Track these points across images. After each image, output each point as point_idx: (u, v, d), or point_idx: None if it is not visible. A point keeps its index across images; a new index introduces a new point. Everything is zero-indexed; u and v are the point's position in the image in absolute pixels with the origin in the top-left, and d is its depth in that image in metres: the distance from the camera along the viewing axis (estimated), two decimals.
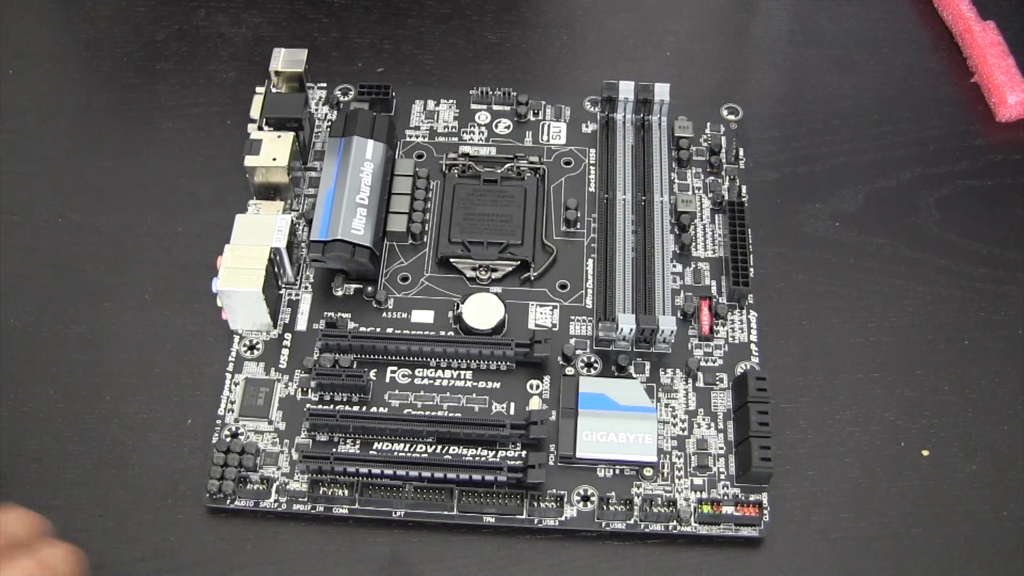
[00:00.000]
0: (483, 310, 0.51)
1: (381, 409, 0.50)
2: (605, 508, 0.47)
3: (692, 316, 0.52)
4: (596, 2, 0.65)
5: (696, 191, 0.56)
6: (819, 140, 0.59)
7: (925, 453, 0.50)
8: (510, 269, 0.53)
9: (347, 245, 0.51)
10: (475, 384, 0.50)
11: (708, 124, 0.58)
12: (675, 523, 0.47)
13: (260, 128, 0.55)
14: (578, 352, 0.51)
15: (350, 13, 0.64)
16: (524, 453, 0.48)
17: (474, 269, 0.53)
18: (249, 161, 0.53)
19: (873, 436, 0.50)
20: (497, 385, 0.50)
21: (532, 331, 0.51)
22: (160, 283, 0.54)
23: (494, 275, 0.53)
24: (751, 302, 0.53)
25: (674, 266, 0.54)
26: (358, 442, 0.49)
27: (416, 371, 0.51)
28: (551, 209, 0.55)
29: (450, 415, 0.49)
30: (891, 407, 0.51)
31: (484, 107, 0.59)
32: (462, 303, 0.52)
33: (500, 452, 0.48)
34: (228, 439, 0.49)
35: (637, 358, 0.51)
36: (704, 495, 0.48)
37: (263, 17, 0.64)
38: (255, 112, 0.55)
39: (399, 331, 0.52)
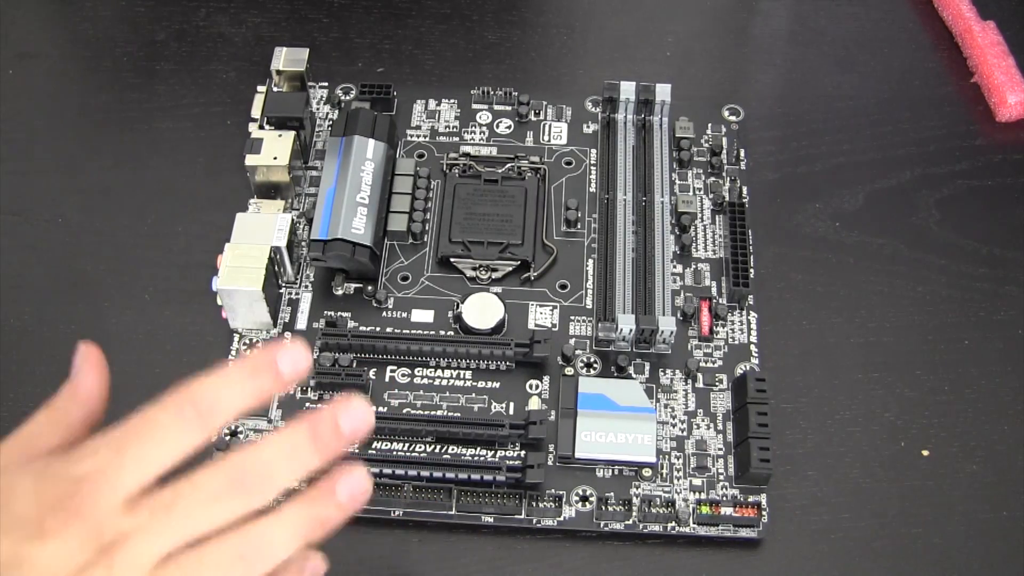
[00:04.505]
0: (483, 310, 0.51)
1: (380, 408, 0.50)
2: (604, 508, 0.47)
3: (692, 317, 0.52)
4: (596, 2, 0.65)
5: (697, 192, 0.56)
6: (819, 140, 0.59)
7: (925, 453, 0.50)
8: (510, 269, 0.53)
9: (347, 244, 0.51)
10: (474, 384, 0.50)
11: (709, 125, 0.58)
12: (674, 524, 0.47)
13: (261, 127, 0.55)
14: (578, 352, 0.51)
15: (350, 13, 0.64)
16: (523, 453, 0.48)
17: (474, 269, 0.53)
18: (250, 160, 0.54)
19: (873, 436, 0.50)
20: (496, 385, 0.50)
21: (532, 331, 0.51)
22: (160, 283, 0.54)
23: (494, 275, 0.53)
24: (751, 303, 0.53)
25: (674, 267, 0.54)
26: (357, 442, 0.49)
27: (416, 370, 0.51)
28: (552, 209, 0.55)
29: (449, 415, 0.49)
30: (891, 407, 0.51)
31: (485, 107, 0.59)
32: (462, 303, 0.52)
33: (499, 452, 0.48)
34: (227, 438, 0.49)
35: (637, 359, 0.51)
36: (703, 496, 0.48)
37: (263, 17, 0.64)
38: (256, 111, 0.55)
39: (399, 330, 0.52)
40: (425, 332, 0.52)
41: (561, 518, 0.47)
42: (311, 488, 0.36)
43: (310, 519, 0.35)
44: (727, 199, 0.55)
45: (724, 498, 0.48)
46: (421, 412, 0.50)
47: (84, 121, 0.60)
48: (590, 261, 0.54)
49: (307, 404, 0.49)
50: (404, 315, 0.52)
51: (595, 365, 0.51)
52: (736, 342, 0.52)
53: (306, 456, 0.35)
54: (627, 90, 0.57)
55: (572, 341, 0.52)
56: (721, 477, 0.48)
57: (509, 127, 0.58)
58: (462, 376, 0.51)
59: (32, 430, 0.37)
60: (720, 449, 0.49)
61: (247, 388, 0.35)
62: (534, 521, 0.47)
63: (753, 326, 0.52)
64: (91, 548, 0.32)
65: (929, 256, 0.55)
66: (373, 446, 0.48)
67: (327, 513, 0.36)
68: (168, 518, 0.33)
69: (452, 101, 0.59)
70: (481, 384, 0.50)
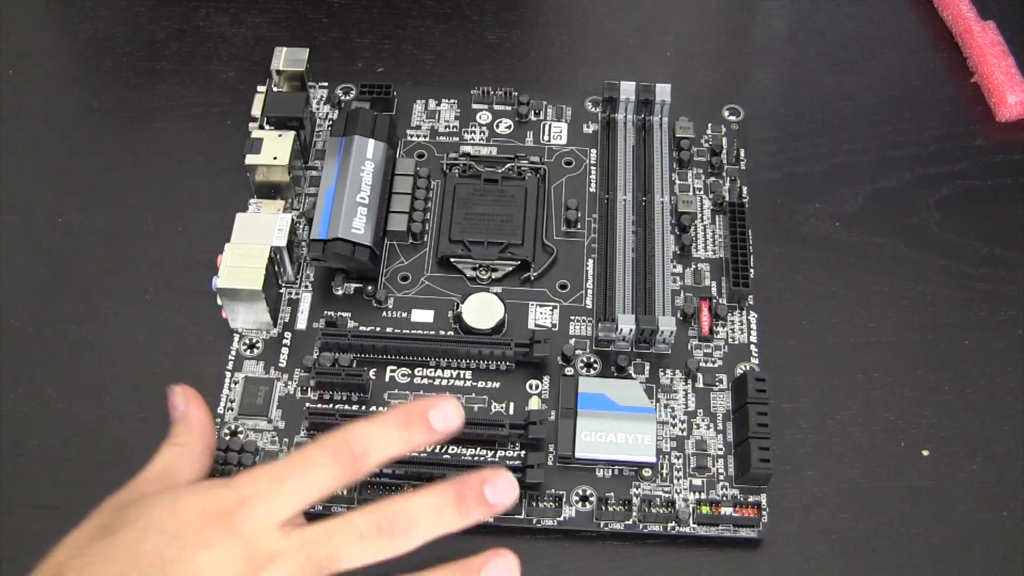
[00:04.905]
0: (483, 310, 0.51)
1: (380, 408, 0.50)
2: (604, 508, 0.47)
3: (692, 317, 0.52)
4: (596, 2, 0.65)
5: (697, 192, 0.56)
6: (819, 140, 0.59)
7: (925, 453, 0.50)
8: (510, 269, 0.53)
9: (347, 244, 0.51)
10: (474, 384, 0.50)
11: (709, 125, 0.58)
12: (674, 524, 0.47)
13: (261, 127, 0.55)
14: (578, 352, 0.51)
15: (350, 13, 0.64)
16: (523, 453, 0.48)
17: (474, 269, 0.53)
18: (250, 160, 0.53)
19: (873, 436, 0.50)
20: (496, 385, 0.50)
21: (532, 331, 0.51)
22: (160, 283, 0.54)
23: (494, 275, 0.53)
24: (751, 303, 0.53)
25: (674, 267, 0.54)
26: None
27: (416, 370, 0.51)
28: (552, 209, 0.55)
29: None
30: (891, 407, 0.51)
31: (485, 107, 0.59)
32: (462, 303, 0.52)
33: (499, 452, 0.48)
34: (227, 438, 0.49)
35: (637, 359, 0.51)
36: (703, 496, 0.48)
37: (263, 17, 0.64)
38: (256, 111, 0.55)
39: (399, 330, 0.52)
40: (425, 332, 0.52)
41: (561, 518, 0.47)
42: (462, 563, 0.39)
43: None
44: (727, 199, 0.55)
45: (724, 498, 0.48)
46: None
47: (84, 121, 0.60)
48: (590, 261, 0.54)
49: (307, 404, 0.49)
50: (404, 315, 0.52)
51: (595, 365, 0.51)
52: (736, 342, 0.52)
53: (450, 516, 0.38)
54: (627, 90, 0.57)
55: (572, 341, 0.52)
56: (721, 477, 0.48)
57: (509, 127, 0.58)
58: (462, 376, 0.51)
59: (165, 464, 0.41)
60: (720, 449, 0.49)
61: (399, 438, 0.39)
62: (534, 521, 0.47)
63: (753, 326, 0.52)
64: (244, 564, 0.36)
65: (929, 256, 0.55)
66: None
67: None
68: (317, 548, 0.37)
69: (452, 101, 0.59)
70: (481, 384, 0.50)
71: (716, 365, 0.51)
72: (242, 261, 0.50)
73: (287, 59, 0.56)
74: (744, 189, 0.56)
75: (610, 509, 0.47)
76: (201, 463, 0.42)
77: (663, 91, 0.57)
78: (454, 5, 0.65)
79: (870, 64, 0.62)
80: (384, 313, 0.52)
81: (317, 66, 0.59)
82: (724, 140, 0.58)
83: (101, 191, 0.57)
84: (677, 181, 0.56)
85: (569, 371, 0.51)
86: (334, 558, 0.37)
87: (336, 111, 0.59)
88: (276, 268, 0.52)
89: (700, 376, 0.51)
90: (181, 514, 0.37)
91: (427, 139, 0.58)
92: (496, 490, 0.39)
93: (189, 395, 0.44)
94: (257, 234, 0.51)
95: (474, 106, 0.59)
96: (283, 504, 0.38)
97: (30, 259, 0.55)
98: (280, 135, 0.54)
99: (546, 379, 0.51)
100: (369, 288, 0.53)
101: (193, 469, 0.42)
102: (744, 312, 0.53)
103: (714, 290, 0.53)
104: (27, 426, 0.50)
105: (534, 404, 0.50)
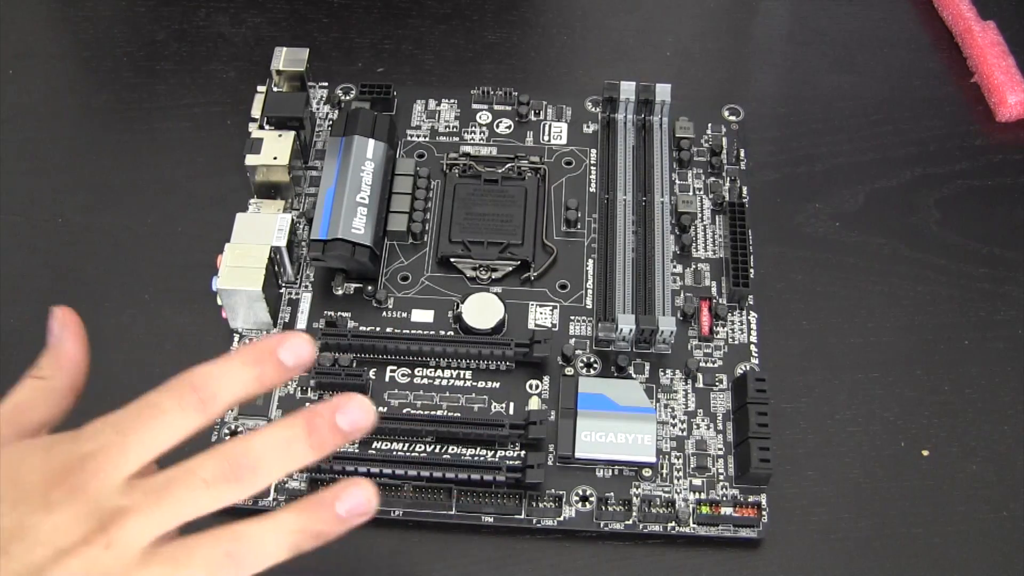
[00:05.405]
0: (483, 310, 0.51)
1: (380, 408, 0.50)
2: (604, 508, 0.47)
3: (692, 317, 0.52)
4: (596, 2, 0.65)
5: (697, 192, 0.56)
6: (819, 140, 0.59)
7: (925, 453, 0.50)
8: (510, 269, 0.53)
9: (347, 244, 0.51)
10: (474, 384, 0.50)
11: (709, 125, 0.58)
12: (674, 524, 0.47)
13: (261, 127, 0.55)
14: (578, 352, 0.51)
15: (350, 13, 0.64)
16: (523, 453, 0.48)
17: (474, 269, 0.53)
18: (250, 160, 0.54)
19: (873, 436, 0.50)
20: (496, 385, 0.50)
21: (532, 331, 0.51)
22: (160, 283, 0.54)
23: (494, 275, 0.53)
24: (751, 303, 0.53)
25: (674, 267, 0.54)
26: (357, 441, 0.49)
27: (416, 370, 0.51)
28: (552, 209, 0.55)
29: (449, 415, 0.49)
30: (891, 407, 0.51)
31: (485, 107, 0.59)
32: (462, 303, 0.52)
33: (499, 452, 0.48)
34: (227, 438, 0.49)
35: (637, 359, 0.51)
36: (703, 496, 0.48)
37: (263, 17, 0.64)
38: (256, 111, 0.55)
39: (399, 330, 0.52)
40: (425, 332, 0.52)
41: (561, 518, 0.47)
42: (311, 497, 0.36)
43: (304, 529, 0.35)
44: (727, 199, 0.55)
45: (724, 498, 0.48)
46: (421, 412, 0.50)
47: (84, 121, 0.60)
48: (590, 261, 0.54)
49: (307, 404, 0.49)
50: (404, 315, 0.52)
51: (595, 365, 0.51)
52: (736, 342, 0.52)
53: (300, 450, 0.35)
54: (627, 90, 0.57)
55: (572, 341, 0.52)
56: (721, 477, 0.48)
57: (509, 127, 0.58)
58: (462, 376, 0.51)
59: (21, 402, 0.38)
60: (720, 449, 0.49)
61: (248, 376, 0.36)
62: (534, 521, 0.47)
63: (753, 326, 0.52)
64: (90, 523, 0.33)
65: (929, 256, 0.55)
66: (373, 446, 0.48)
67: (323, 525, 0.36)
68: (160, 500, 0.34)
69: (452, 101, 0.59)
70: (481, 384, 0.50)
71: (716, 365, 0.51)
72: (242, 261, 0.50)
73: (287, 59, 0.56)
74: (744, 189, 0.56)
75: (610, 509, 0.47)
76: (60, 403, 0.38)
77: (663, 91, 0.57)
78: (454, 5, 0.65)
79: (870, 64, 0.62)
80: (384, 313, 0.52)
81: (317, 66, 0.59)
82: (724, 140, 0.58)
83: (101, 191, 0.57)
84: (677, 181, 0.56)
85: (569, 371, 0.51)
86: (179, 509, 0.34)
87: (336, 111, 0.59)
88: (276, 268, 0.52)
89: (700, 376, 0.51)
90: (23, 477, 0.34)
91: (427, 139, 0.58)
92: (349, 416, 0.36)
93: (68, 322, 0.40)
94: (257, 234, 0.51)
95: (474, 106, 0.59)
96: (130, 456, 0.35)
97: (30, 259, 0.55)
98: (280, 135, 0.54)
99: (546, 379, 0.51)
100: (369, 288, 0.53)
101: (49, 409, 0.38)
102: (744, 312, 0.53)
103: (714, 290, 0.53)
104: None
105: (534, 404, 0.50)
